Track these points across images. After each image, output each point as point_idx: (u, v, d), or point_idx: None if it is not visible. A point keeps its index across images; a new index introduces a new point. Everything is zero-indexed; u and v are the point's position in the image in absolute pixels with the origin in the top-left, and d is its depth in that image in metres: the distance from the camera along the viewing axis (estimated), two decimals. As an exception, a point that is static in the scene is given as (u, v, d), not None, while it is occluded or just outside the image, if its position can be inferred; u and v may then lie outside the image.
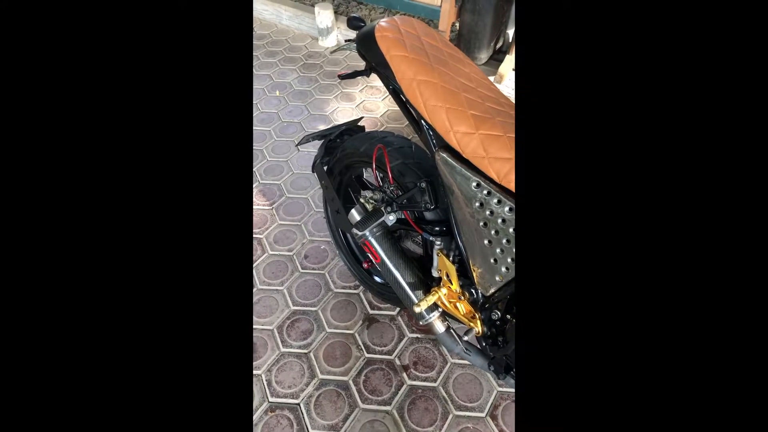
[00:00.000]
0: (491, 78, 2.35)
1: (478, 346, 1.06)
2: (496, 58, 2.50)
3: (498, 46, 2.53)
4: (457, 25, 2.43)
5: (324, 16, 2.63)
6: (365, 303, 1.49)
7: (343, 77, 1.12)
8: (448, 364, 1.34)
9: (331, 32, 2.70)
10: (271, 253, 1.63)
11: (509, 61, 2.35)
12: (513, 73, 2.37)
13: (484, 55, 2.43)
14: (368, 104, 2.31)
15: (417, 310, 1.02)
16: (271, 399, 1.26)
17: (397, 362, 1.34)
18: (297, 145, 1.51)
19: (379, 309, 1.47)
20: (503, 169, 0.79)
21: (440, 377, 1.31)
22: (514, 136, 0.80)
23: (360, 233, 1.08)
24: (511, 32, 2.48)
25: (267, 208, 1.79)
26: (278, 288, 1.52)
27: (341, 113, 2.25)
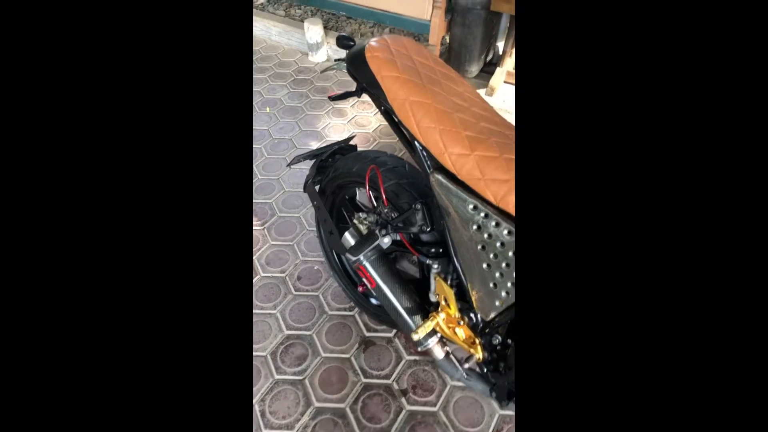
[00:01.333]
0: (482, 91, 2.35)
1: (479, 372, 1.02)
2: (487, 70, 2.50)
3: (488, 58, 2.54)
4: (447, 38, 2.43)
5: (313, 31, 2.62)
6: (361, 325, 1.45)
7: (333, 98, 1.10)
8: (448, 387, 1.30)
9: (320, 47, 2.69)
10: (263, 275, 1.59)
11: (500, 74, 2.35)
12: (504, 86, 2.37)
13: (474, 68, 2.43)
14: (360, 119, 2.29)
15: (415, 337, 0.99)
16: (264, 431, 1.21)
17: (396, 387, 1.30)
18: (288, 165, 1.48)
19: (376, 331, 1.44)
20: (500, 191, 0.76)
21: (440, 401, 1.27)
22: (510, 157, 0.77)
23: (354, 258, 1.05)
24: (500, 45, 2.48)
25: (258, 228, 1.75)
26: (271, 312, 1.48)
27: (333, 129, 2.23)
